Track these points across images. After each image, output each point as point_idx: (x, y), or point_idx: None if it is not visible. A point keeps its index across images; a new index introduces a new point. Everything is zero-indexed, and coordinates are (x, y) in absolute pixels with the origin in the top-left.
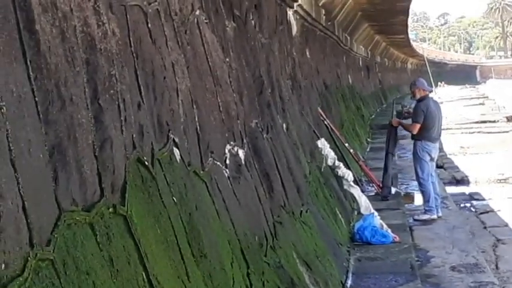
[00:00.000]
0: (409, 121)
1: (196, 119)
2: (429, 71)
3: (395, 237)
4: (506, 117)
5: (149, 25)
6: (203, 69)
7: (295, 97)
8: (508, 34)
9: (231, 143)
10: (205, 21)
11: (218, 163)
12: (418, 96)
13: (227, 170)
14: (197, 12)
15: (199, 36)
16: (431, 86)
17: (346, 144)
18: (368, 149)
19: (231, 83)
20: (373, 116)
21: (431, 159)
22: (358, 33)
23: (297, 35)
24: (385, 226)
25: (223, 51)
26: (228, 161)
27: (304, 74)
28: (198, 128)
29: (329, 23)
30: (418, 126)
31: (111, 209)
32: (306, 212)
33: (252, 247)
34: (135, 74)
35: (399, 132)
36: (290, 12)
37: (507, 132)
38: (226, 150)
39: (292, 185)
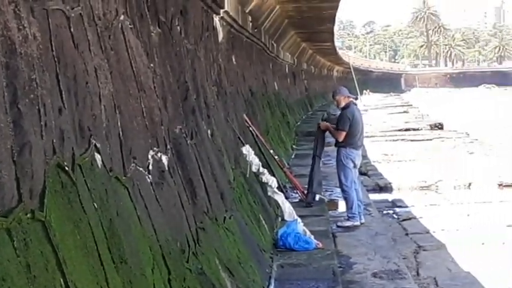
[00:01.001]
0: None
1: (119, 125)
2: (355, 78)
3: (318, 244)
4: (430, 125)
5: (72, 30)
6: (127, 74)
7: (221, 103)
8: (433, 43)
9: (154, 148)
10: (130, 26)
11: (141, 169)
12: (343, 104)
13: (150, 176)
14: (121, 18)
15: (124, 42)
16: (357, 94)
17: (271, 151)
18: (293, 156)
19: (155, 89)
20: (299, 123)
21: (355, 166)
22: (285, 40)
23: (223, 41)
24: (308, 232)
25: (147, 57)
26: (151, 167)
27: (230, 80)
28: (121, 133)
29: (256, 30)
30: (344, 133)
31: (29, 215)
32: (230, 218)
33: (174, 253)
34: (56, 78)
35: (326, 138)
36: (216, 19)
37: (430, 140)
38: (150, 156)
39: (216, 191)
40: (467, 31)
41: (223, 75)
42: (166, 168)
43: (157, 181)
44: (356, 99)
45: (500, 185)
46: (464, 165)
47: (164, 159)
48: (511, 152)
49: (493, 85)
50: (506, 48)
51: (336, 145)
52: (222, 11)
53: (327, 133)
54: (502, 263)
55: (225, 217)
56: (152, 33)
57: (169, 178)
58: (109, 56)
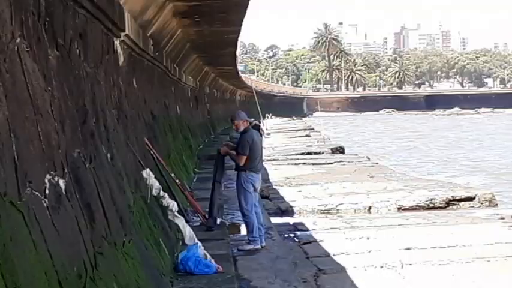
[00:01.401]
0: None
1: (14, 148)
2: (257, 102)
3: (218, 267)
4: (331, 149)
5: None
6: (23, 97)
7: (121, 127)
8: (334, 67)
9: (51, 172)
10: (27, 49)
11: (37, 193)
12: (242, 128)
13: (46, 200)
14: (18, 40)
15: (20, 65)
16: (260, 118)
17: (173, 174)
18: (195, 179)
19: (53, 112)
20: (201, 147)
21: (255, 189)
22: (187, 63)
23: (124, 64)
24: (209, 256)
25: (45, 80)
26: (47, 191)
27: (131, 103)
28: (16, 157)
29: (157, 53)
30: (244, 158)
31: None
32: (129, 242)
33: (70, 278)
34: None
35: (227, 162)
36: (117, 42)
37: (331, 163)
38: (46, 180)
39: (115, 215)
40: (368, 56)
41: (123, 99)
42: (64, 192)
43: (53, 205)
44: (259, 122)
45: (399, 208)
46: (364, 189)
47: (61, 183)
48: (410, 176)
49: (394, 110)
50: (406, 74)
51: (236, 169)
52: (122, 34)
53: (227, 157)
54: (400, 286)
55: (124, 241)
56: (50, 56)
57: (67, 202)
58: (4, 80)
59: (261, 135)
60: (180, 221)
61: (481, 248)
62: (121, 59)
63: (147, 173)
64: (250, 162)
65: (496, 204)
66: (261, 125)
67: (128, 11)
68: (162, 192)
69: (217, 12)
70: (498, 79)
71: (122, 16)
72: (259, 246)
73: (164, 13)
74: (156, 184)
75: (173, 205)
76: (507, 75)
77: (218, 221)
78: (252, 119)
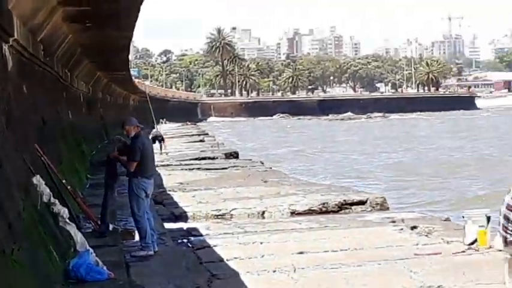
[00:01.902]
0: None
1: None
2: (151, 107)
3: (110, 274)
4: (225, 154)
5: None
6: None
7: (10, 133)
8: (228, 73)
9: None
10: None
11: None
12: (132, 133)
13: None
14: None
15: None
16: (154, 123)
17: (64, 181)
18: (88, 185)
19: None
20: (94, 152)
21: (147, 195)
22: (79, 69)
23: (13, 70)
24: (100, 263)
25: None
26: None
27: (21, 109)
28: None
29: (48, 59)
30: (135, 164)
31: None
32: (18, 250)
33: None
34: None
35: (120, 168)
36: (5, 47)
37: (226, 168)
38: None
39: (4, 223)
40: (262, 61)
41: (13, 105)
42: None
43: None
44: (143, 128)
45: (292, 212)
46: (258, 194)
47: None
48: (303, 180)
49: (287, 114)
50: (299, 79)
51: (127, 175)
52: (11, 39)
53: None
54: None
55: (13, 249)
56: None
57: None
58: None
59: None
60: (72, 228)
61: (372, 251)
62: (10, 64)
63: (37, 179)
64: (142, 168)
65: (388, 208)
66: (155, 130)
67: (17, 15)
68: (52, 199)
69: (108, 17)
70: (389, 84)
71: (10, 21)
72: (152, 252)
73: (54, 18)
74: (47, 191)
75: (64, 212)
76: (398, 80)
77: (110, 227)
78: (155, 131)
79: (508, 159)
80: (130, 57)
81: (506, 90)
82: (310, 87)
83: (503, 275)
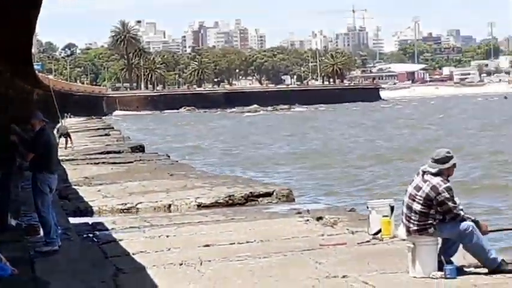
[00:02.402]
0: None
1: None
2: (55, 102)
3: (14, 270)
4: (131, 148)
5: None
6: None
7: None
8: (134, 66)
9: None
10: None
11: None
12: (37, 127)
13: None
14: None
15: None
16: (59, 117)
17: None
18: None
19: None
20: None
21: (51, 190)
22: None
23: None
24: (3, 259)
25: None
26: None
27: None
28: None
29: None
30: (32, 155)
31: None
32: None
33: None
34: None
35: (25, 163)
36: None
37: (132, 162)
38: None
39: None
40: (167, 54)
41: None
42: None
43: None
44: (47, 122)
45: (199, 205)
46: (164, 187)
47: None
48: (209, 173)
49: (193, 107)
50: (205, 71)
51: (31, 170)
52: None
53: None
54: (199, 283)
55: None
56: None
57: None
58: None
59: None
60: None
61: (278, 242)
62: None
63: None
64: (46, 163)
65: (293, 200)
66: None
67: None
68: None
69: (8, 10)
70: (295, 76)
71: None
72: (56, 248)
73: None
74: None
75: None
76: (303, 72)
77: (14, 222)
78: (60, 125)
79: (407, 151)
80: (33, 51)
81: (410, 82)
82: (216, 80)
83: (407, 264)
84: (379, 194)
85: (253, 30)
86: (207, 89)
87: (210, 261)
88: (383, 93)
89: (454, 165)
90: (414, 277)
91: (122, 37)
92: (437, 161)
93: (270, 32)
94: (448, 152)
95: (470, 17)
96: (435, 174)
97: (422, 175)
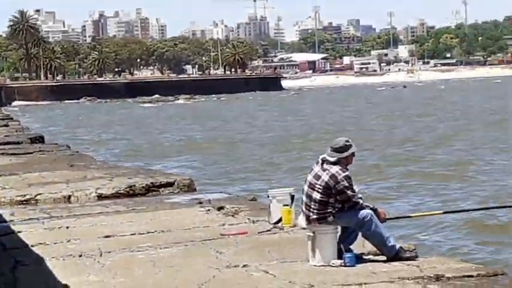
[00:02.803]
0: None
1: None
2: None
3: None
4: (30, 139)
5: None
6: None
7: None
8: (33, 56)
9: None
10: None
11: None
12: None
13: None
14: None
15: None
16: None
17: None
18: None
19: None
20: None
21: None
22: None
23: None
24: None
25: None
26: None
27: None
28: None
29: None
30: None
31: None
32: None
33: None
34: None
35: None
36: None
37: (31, 153)
38: None
39: None
40: (67, 44)
41: None
42: None
43: None
44: None
45: (99, 196)
46: (64, 178)
47: None
48: (110, 164)
49: (94, 97)
50: (106, 61)
51: None
52: None
53: None
54: (99, 274)
55: None
56: None
57: None
58: None
59: None
60: None
61: (179, 233)
62: None
63: None
64: None
65: (195, 189)
66: None
67: None
68: None
69: None
70: (197, 66)
71: None
72: None
73: None
74: None
75: None
76: (205, 62)
77: None
78: None
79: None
80: None
81: (311, 71)
82: (117, 69)
83: (307, 253)
84: (280, 182)
85: (154, 20)
86: (107, 79)
87: (110, 252)
88: (284, 83)
89: (353, 154)
90: (314, 265)
91: (21, 26)
92: (336, 150)
93: (171, 21)
94: (347, 141)
95: (369, 6)
96: (334, 163)
97: (322, 164)
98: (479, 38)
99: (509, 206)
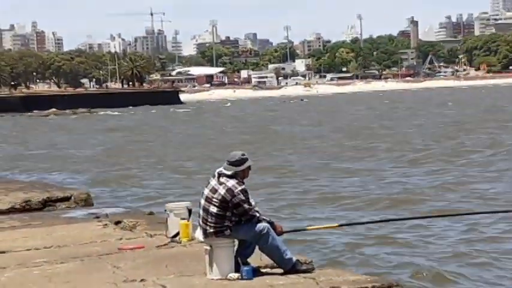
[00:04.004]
0: None
1: None
2: None
3: None
4: None
5: None
6: None
7: None
8: None
9: None
10: None
11: None
12: None
13: None
14: None
15: None
16: None
17: None
18: None
19: None
20: None
21: None
22: None
23: None
24: None
25: None
26: None
27: None
28: None
29: None
30: None
31: None
32: None
33: None
34: None
35: None
36: None
37: None
38: None
39: None
40: None
41: None
42: None
43: None
44: None
45: None
46: None
47: None
48: (6, 178)
49: None
50: (1, 75)
51: None
52: None
53: None
54: None
55: None
56: None
57: None
58: None
59: None
60: None
61: (75, 248)
62: None
63: None
64: None
65: (92, 204)
66: None
67: None
68: None
69: None
70: (94, 79)
71: None
72: None
73: None
74: None
75: None
76: (103, 75)
77: None
78: None
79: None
80: None
81: (209, 85)
82: (12, 83)
83: (205, 267)
84: (177, 196)
85: (51, 33)
86: (3, 92)
87: (5, 268)
88: (183, 96)
89: (249, 167)
90: (212, 279)
91: None
92: (232, 164)
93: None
94: (243, 154)
95: (266, 21)
96: (230, 177)
97: (218, 177)
98: (375, 53)
99: (407, 219)
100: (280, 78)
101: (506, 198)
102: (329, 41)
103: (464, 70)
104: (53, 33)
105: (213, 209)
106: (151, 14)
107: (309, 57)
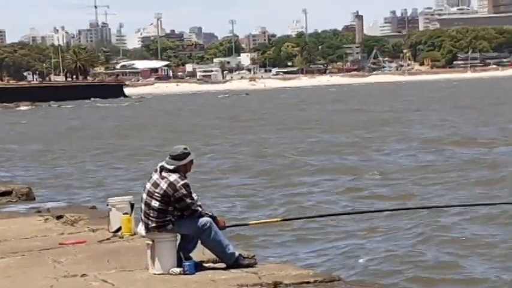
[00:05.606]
0: None
1: None
2: None
3: None
4: None
5: None
6: None
7: None
8: None
9: None
10: None
11: None
12: None
13: None
14: None
15: None
16: None
17: None
18: None
19: None
20: None
21: None
22: None
23: None
24: None
25: None
26: None
27: None
28: None
29: None
30: None
31: None
32: None
33: None
34: None
35: None
36: None
37: None
38: None
39: None
40: None
41: None
42: None
43: None
44: None
45: None
46: None
47: None
48: None
49: None
50: None
51: None
52: None
53: None
54: None
55: None
56: None
57: None
58: None
59: None
60: None
61: (16, 242)
62: None
63: None
64: None
65: (34, 198)
66: None
67: None
68: None
69: None
70: (37, 72)
71: None
72: None
73: None
74: None
75: None
76: (46, 68)
77: None
78: None
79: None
80: None
81: (153, 78)
82: None
83: (147, 261)
84: (119, 191)
85: None
86: None
87: None
88: (127, 90)
89: (192, 161)
90: (154, 274)
91: None
92: (174, 158)
93: (10, 27)
94: (185, 149)
95: (211, 14)
96: (173, 171)
97: (160, 172)
98: (320, 47)
99: (349, 213)
100: (225, 72)
101: None
102: (274, 35)
103: (409, 65)
104: None
105: (155, 204)
106: (96, 7)
107: (254, 51)
